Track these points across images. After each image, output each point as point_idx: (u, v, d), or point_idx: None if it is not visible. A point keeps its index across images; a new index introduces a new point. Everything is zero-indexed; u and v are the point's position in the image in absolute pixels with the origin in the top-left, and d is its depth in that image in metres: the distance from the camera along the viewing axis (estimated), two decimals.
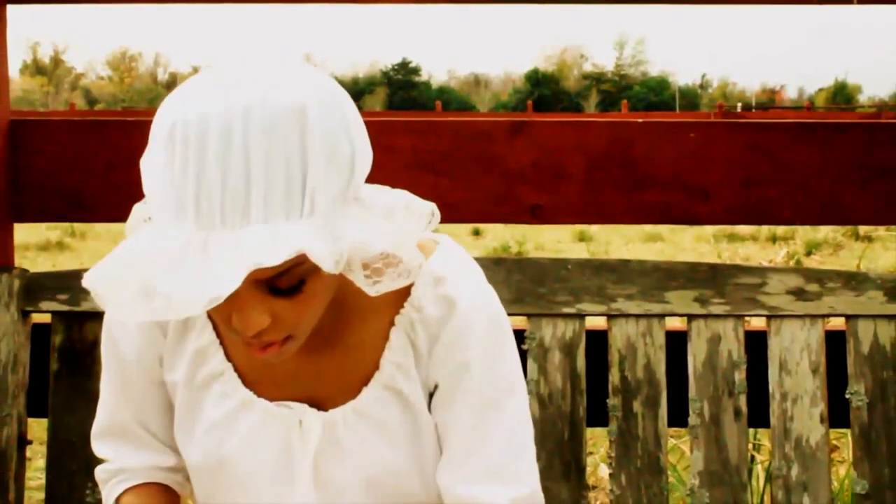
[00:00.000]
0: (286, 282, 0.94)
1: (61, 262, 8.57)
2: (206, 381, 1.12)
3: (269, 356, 1.00)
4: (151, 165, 0.93)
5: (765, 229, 9.70)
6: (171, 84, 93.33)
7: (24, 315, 1.67)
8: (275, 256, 0.86)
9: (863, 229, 9.63)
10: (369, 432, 1.10)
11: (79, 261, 8.60)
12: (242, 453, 1.11)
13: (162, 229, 0.91)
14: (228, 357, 1.12)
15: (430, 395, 1.13)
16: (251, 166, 0.88)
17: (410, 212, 1.03)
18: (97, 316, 1.66)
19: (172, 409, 1.18)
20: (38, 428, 1.64)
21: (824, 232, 9.60)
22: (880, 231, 9.80)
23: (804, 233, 9.70)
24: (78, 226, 10.90)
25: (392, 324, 1.09)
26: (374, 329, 1.10)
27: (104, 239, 10.55)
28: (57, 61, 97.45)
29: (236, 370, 1.12)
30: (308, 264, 0.92)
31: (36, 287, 1.67)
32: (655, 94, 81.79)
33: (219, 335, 1.12)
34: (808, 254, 8.72)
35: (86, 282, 0.93)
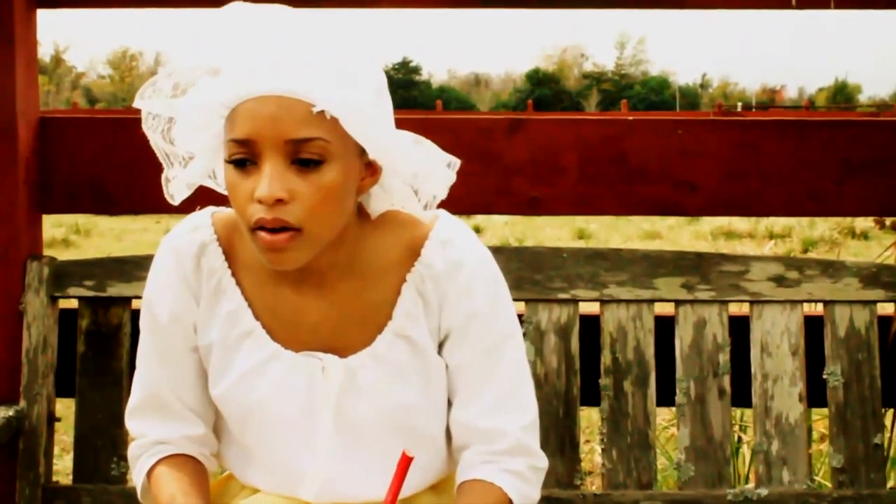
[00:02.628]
0: (309, 150, 1.12)
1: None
2: (238, 339, 1.26)
3: (278, 244, 1.13)
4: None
5: (762, 227, 9.80)
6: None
7: (53, 300, 1.78)
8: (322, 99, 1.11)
9: (859, 228, 9.74)
10: (384, 374, 1.24)
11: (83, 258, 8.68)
12: (271, 398, 1.25)
13: None
14: (256, 317, 1.26)
15: (442, 343, 1.28)
16: (307, 50, 1.14)
17: (433, 149, 1.23)
18: (122, 301, 1.77)
19: (203, 377, 1.31)
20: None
21: (821, 230, 9.70)
22: (876, 229, 9.90)
23: (801, 230, 9.79)
24: (83, 223, 11.01)
25: (404, 280, 1.25)
26: (387, 286, 1.25)
27: (108, 237, 10.66)
28: (58, 60, 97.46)
29: (264, 328, 1.26)
30: (332, 146, 1.13)
31: (64, 274, 1.78)
32: (656, 93, 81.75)
33: (247, 299, 1.27)
34: (805, 251, 8.82)
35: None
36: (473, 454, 1.27)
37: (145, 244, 9.66)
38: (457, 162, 1.24)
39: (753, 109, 35.00)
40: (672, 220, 11.25)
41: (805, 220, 10.02)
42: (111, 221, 12.11)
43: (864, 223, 9.85)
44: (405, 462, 1.14)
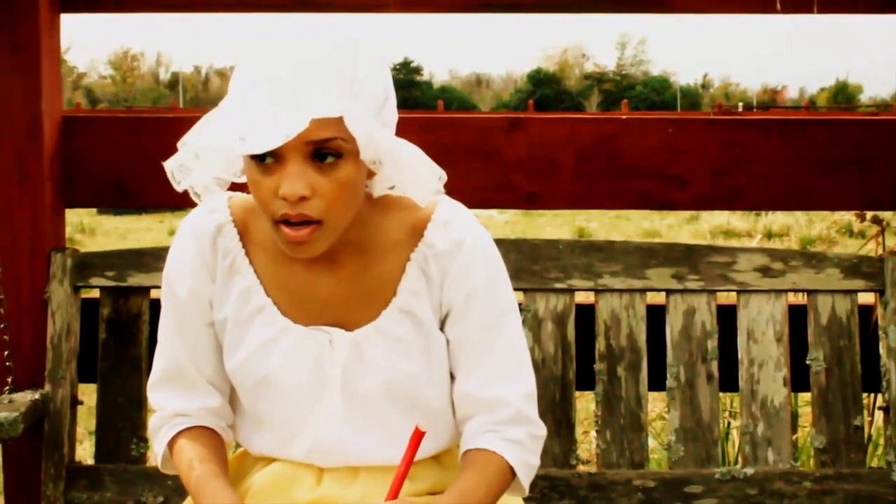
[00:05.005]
0: (328, 148, 1.21)
1: None
2: (251, 315, 1.36)
3: (301, 238, 1.22)
4: (238, 82, 1.23)
5: (760, 226, 9.89)
6: (174, 84, 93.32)
7: (76, 290, 1.88)
8: (329, 111, 1.17)
9: (857, 227, 9.82)
10: (388, 347, 1.33)
11: None
12: (282, 370, 1.34)
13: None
14: (267, 294, 1.35)
15: (443, 319, 1.37)
16: (315, 71, 1.20)
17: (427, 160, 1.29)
18: (141, 291, 1.86)
19: (218, 350, 1.40)
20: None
21: (818, 229, 9.79)
22: (874, 228, 9.99)
23: (799, 229, 9.88)
24: (88, 223, 11.13)
25: (408, 259, 1.34)
26: (392, 264, 1.34)
27: (112, 236, 10.77)
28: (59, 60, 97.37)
29: (275, 304, 1.35)
30: (348, 144, 1.21)
31: (86, 265, 1.88)
32: (657, 93, 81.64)
33: (259, 277, 1.36)
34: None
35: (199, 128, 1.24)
36: (476, 424, 1.36)
37: (148, 243, 9.71)
38: (444, 175, 1.30)
39: (754, 109, 35.06)
40: (671, 220, 11.34)
41: (803, 220, 10.11)
42: (115, 221, 12.22)
43: (861, 222, 9.91)
44: (418, 436, 1.23)
